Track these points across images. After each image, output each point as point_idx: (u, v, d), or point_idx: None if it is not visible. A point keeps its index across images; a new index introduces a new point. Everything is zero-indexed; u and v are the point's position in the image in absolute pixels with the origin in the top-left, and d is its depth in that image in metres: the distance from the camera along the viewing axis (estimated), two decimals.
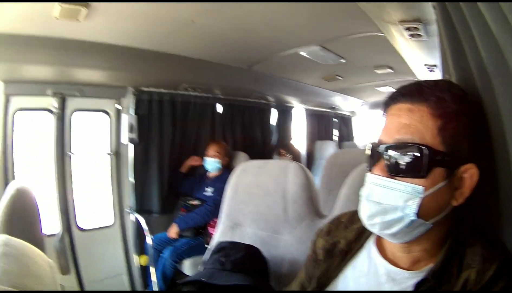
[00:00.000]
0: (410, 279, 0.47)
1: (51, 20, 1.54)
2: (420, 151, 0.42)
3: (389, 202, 0.44)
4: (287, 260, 1.19)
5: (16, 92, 2.04)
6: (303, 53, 2.23)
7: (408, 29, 1.40)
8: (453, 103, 0.44)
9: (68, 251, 2.10)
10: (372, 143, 0.49)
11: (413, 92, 0.46)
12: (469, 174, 0.43)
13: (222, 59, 2.39)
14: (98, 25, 1.74)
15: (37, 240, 0.77)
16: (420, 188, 0.42)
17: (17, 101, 2.03)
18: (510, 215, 0.41)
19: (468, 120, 0.44)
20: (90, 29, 1.77)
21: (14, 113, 2.04)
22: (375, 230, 0.49)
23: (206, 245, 2.14)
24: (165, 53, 2.17)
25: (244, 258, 1.02)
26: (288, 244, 1.19)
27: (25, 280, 0.31)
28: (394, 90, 0.50)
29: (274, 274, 1.19)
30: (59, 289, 0.39)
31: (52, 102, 2.08)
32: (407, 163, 0.43)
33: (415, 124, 0.43)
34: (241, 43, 2.07)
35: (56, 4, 1.33)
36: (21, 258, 0.34)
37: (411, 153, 0.42)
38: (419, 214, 0.43)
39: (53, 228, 2.07)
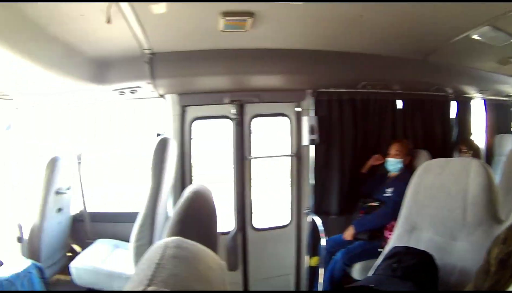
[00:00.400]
0: None
1: (217, 34, 2.56)
2: None
3: None
4: (458, 268, 1.78)
5: (192, 103, 3.48)
6: (475, 36, 3.14)
7: None
8: None
9: (239, 248, 3.66)
10: None
11: None
12: None
13: (395, 52, 3.38)
14: (266, 33, 2.65)
15: (211, 240, 1.36)
16: None
17: (194, 111, 3.50)
18: None
19: None
20: (259, 37, 2.74)
21: (191, 122, 3.51)
22: None
23: (380, 249, 3.12)
24: (338, 52, 3.23)
25: (416, 266, 1.66)
26: (462, 251, 1.82)
27: (193, 284, 0.55)
28: None
29: (442, 283, 1.76)
30: (227, 288, 0.68)
31: (230, 109, 3.53)
32: None
33: None
34: (412, 33, 2.95)
35: (220, 18, 2.30)
36: (192, 261, 0.60)
37: None
38: None
39: (228, 227, 3.61)
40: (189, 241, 0.67)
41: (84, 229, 4.07)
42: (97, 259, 3.41)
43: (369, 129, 4.12)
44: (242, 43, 2.91)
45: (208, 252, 0.69)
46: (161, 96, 3.66)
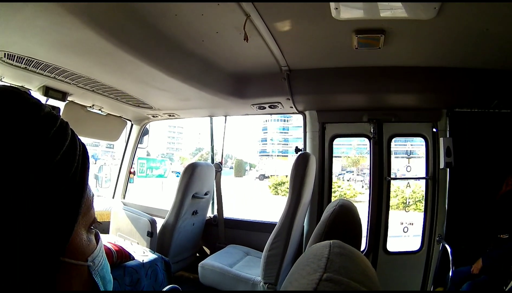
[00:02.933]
0: None
1: (351, 52, 2.72)
2: None
3: None
4: None
5: (331, 120, 3.71)
6: None
7: None
8: None
9: None
10: None
11: None
12: None
13: None
14: (398, 50, 2.77)
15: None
16: None
17: (332, 128, 3.75)
18: None
19: None
20: (392, 54, 2.83)
21: (331, 139, 3.75)
22: None
23: (504, 287, 3.26)
24: (470, 68, 3.26)
25: None
26: None
27: (361, 277, 0.60)
28: None
29: None
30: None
31: (369, 128, 3.69)
32: None
33: None
34: None
35: (354, 36, 2.49)
36: (356, 260, 0.67)
37: None
38: None
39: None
40: (348, 245, 0.75)
41: (216, 233, 4.40)
42: (225, 261, 3.65)
43: (508, 152, 4.05)
44: (376, 61, 3.07)
45: (364, 257, 0.76)
46: (300, 112, 3.90)
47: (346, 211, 1.54)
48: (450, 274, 3.60)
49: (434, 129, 3.83)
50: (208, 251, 4.37)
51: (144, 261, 3.25)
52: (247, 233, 4.23)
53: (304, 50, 2.92)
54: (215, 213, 4.51)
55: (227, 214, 4.46)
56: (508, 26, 2.56)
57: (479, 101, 3.83)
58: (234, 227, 4.32)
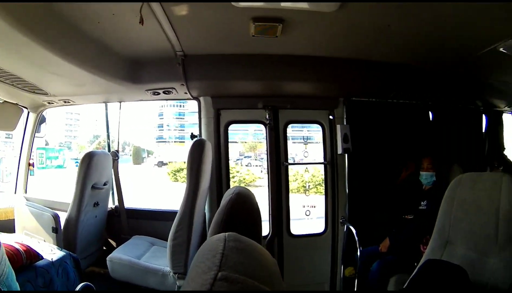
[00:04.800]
0: None
1: (249, 39, 2.70)
2: None
3: None
4: (490, 286, 1.89)
5: (227, 106, 3.80)
6: (501, 49, 3.34)
7: None
8: None
9: (275, 254, 3.86)
10: None
11: None
12: None
13: (422, 63, 3.60)
14: (296, 39, 2.81)
15: (256, 240, 1.21)
16: None
17: (228, 114, 3.82)
18: None
19: None
20: (289, 43, 2.88)
21: (226, 125, 3.83)
22: None
23: (415, 263, 3.21)
24: (369, 61, 3.39)
25: (450, 280, 1.75)
26: (494, 268, 1.91)
27: (258, 272, 0.61)
28: None
29: None
30: (284, 286, 0.72)
31: (264, 114, 3.79)
32: None
33: None
34: (437, 44, 3.13)
35: (251, 23, 2.47)
36: (252, 253, 0.67)
37: None
38: None
39: (264, 231, 3.55)
40: (244, 236, 0.74)
41: (119, 224, 4.34)
42: (133, 254, 3.62)
43: (401, 140, 4.40)
44: (273, 49, 3.12)
45: (262, 248, 0.76)
46: (195, 98, 3.95)
47: (244, 198, 1.56)
48: (358, 253, 3.77)
49: (331, 117, 4.05)
50: (114, 244, 4.35)
51: (53, 260, 3.14)
52: (150, 222, 4.25)
53: (201, 35, 2.93)
54: (116, 203, 4.44)
55: (129, 204, 4.45)
56: (409, 23, 2.73)
57: (378, 91, 4.16)
58: (137, 217, 4.33)
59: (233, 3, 2.30)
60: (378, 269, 3.65)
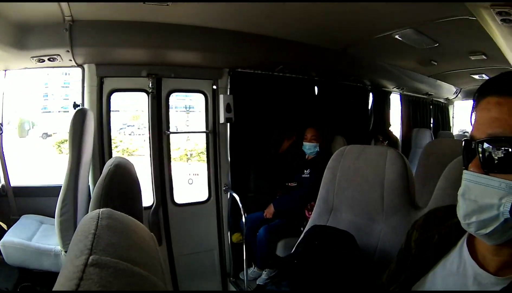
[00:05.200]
0: (496, 285, 0.90)
1: (140, 5, 2.64)
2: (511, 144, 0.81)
3: (484, 200, 0.85)
4: (379, 249, 1.96)
5: (110, 74, 3.62)
6: (397, 36, 3.59)
7: (499, 13, 2.28)
8: None
9: (161, 224, 3.95)
10: (465, 140, 0.94)
11: (500, 85, 0.88)
12: None
13: (317, 41, 3.77)
14: (188, 9, 2.81)
15: (136, 213, 1.43)
16: None
17: (111, 82, 3.77)
18: None
19: None
20: (180, 12, 2.86)
21: (109, 94, 3.78)
22: (471, 230, 0.90)
23: (302, 228, 3.43)
24: (260, 35, 3.46)
25: (337, 244, 1.80)
26: (381, 233, 1.99)
27: (131, 253, 0.58)
28: (487, 78, 0.97)
29: (365, 262, 1.92)
30: (162, 262, 0.71)
31: (147, 83, 3.69)
32: (500, 157, 0.83)
33: (505, 117, 0.84)
34: (334, 24, 3.29)
35: None
36: (125, 231, 0.64)
37: (503, 147, 0.83)
38: None
39: (147, 201, 3.69)
40: (118, 212, 0.71)
41: (7, 204, 4.06)
42: (23, 235, 3.31)
43: (286, 112, 4.62)
44: (162, 17, 3.09)
45: (137, 223, 0.74)
46: (79, 66, 3.85)
47: (122, 169, 1.54)
48: (243, 220, 3.90)
49: (215, 87, 4.12)
50: (5, 226, 4.04)
51: None
52: (40, 199, 4.05)
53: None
54: (2, 182, 4.01)
55: (17, 181, 4.04)
56: (306, 3, 2.89)
57: (265, 64, 4.38)
58: (24, 195, 3.99)
59: None
60: (265, 234, 3.83)
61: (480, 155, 0.91)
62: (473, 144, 0.93)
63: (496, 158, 0.88)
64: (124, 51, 3.54)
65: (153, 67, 3.81)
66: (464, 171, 0.95)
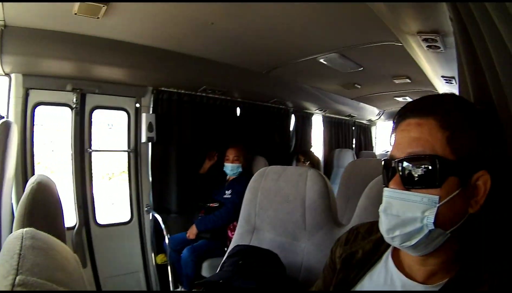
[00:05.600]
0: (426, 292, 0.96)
1: (70, 16, 2.57)
2: (432, 161, 0.90)
3: (407, 214, 0.92)
4: (304, 267, 2.04)
5: (36, 86, 3.47)
6: (321, 60, 3.74)
7: (426, 40, 2.46)
8: (460, 114, 0.94)
9: (85, 245, 3.72)
10: (384, 160, 1.03)
11: (420, 107, 0.97)
12: (482, 180, 0.91)
13: (241, 63, 3.88)
14: (117, 23, 2.79)
15: (59, 233, 1.41)
16: (436, 197, 0.90)
17: (37, 95, 3.49)
18: None
19: (477, 129, 0.94)
20: (109, 26, 2.83)
21: (33, 107, 3.49)
22: (396, 243, 0.97)
23: (225, 248, 3.55)
24: (185, 54, 3.49)
25: (262, 263, 1.83)
26: (305, 251, 2.06)
27: (56, 273, 0.59)
28: (410, 100, 1.07)
29: (291, 280, 2.00)
30: (85, 282, 0.73)
31: (72, 98, 3.60)
32: (421, 174, 0.92)
33: (425, 137, 0.93)
34: (260, 48, 3.39)
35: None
36: (49, 252, 0.65)
37: (424, 164, 0.91)
38: (437, 224, 0.89)
39: (71, 221, 3.57)
40: (41, 232, 0.72)
41: None
42: None
43: (208, 132, 4.69)
44: (93, 30, 3.06)
45: (61, 243, 0.75)
46: (7, 75, 3.71)
47: (45, 187, 1.50)
48: (166, 241, 3.93)
49: (137, 105, 4.13)
50: None
51: None
52: None
53: (24, 7, 2.77)
54: None
55: None
56: (234, 24, 2.92)
57: (189, 84, 4.44)
58: None
59: None
60: (189, 255, 3.84)
61: (401, 173, 0.99)
62: (394, 163, 1.01)
63: (416, 175, 0.96)
64: (52, 63, 3.43)
65: (78, 82, 3.70)
66: (385, 189, 1.03)
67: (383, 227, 1.01)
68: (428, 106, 1.00)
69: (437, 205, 0.92)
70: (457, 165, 0.93)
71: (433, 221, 0.92)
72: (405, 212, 0.95)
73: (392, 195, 0.99)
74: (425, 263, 1.01)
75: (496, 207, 0.99)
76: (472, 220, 0.97)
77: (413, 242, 0.95)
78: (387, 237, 1.00)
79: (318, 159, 6.04)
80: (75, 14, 2.63)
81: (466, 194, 0.95)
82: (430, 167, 0.93)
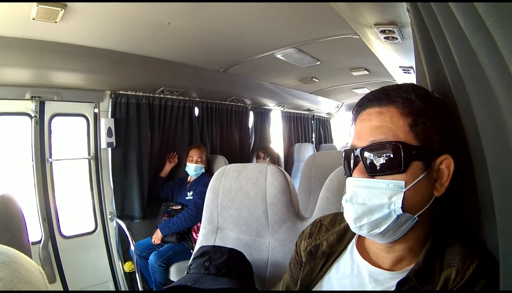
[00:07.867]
0: (392, 279, 1.00)
1: (28, 21, 2.56)
2: (396, 147, 0.93)
3: (374, 201, 0.94)
4: (270, 262, 2.10)
5: None
6: (278, 56, 3.85)
7: (383, 32, 2.53)
8: (419, 101, 0.97)
9: (52, 258, 3.73)
10: (345, 150, 1.05)
11: (380, 96, 1.01)
12: (446, 164, 0.96)
13: (198, 62, 3.96)
14: (75, 27, 2.79)
15: (23, 248, 1.43)
16: (402, 183, 0.93)
17: None
18: (488, 211, 0.85)
19: (437, 115, 0.98)
20: (66, 31, 2.82)
21: None
22: (363, 231, 0.99)
23: (191, 250, 3.77)
24: (141, 56, 3.53)
25: (228, 262, 1.86)
26: (270, 247, 2.12)
27: (20, 286, 0.59)
28: (369, 91, 1.08)
29: (258, 277, 2.04)
30: None
31: (30, 106, 3.59)
32: (385, 161, 0.94)
33: (387, 125, 0.96)
34: (217, 46, 3.47)
35: (34, 4, 2.32)
36: (13, 265, 0.63)
37: (388, 151, 0.94)
38: (404, 208, 0.93)
39: (35, 236, 3.58)
40: (5, 246, 0.71)
41: None
42: None
43: (168, 134, 4.81)
44: (50, 35, 3.03)
45: (24, 256, 0.74)
46: None
47: (7, 202, 1.48)
48: (132, 248, 3.97)
49: (96, 110, 4.16)
50: None
51: None
52: None
53: None
54: None
55: None
56: (188, 24, 2.95)
57: (147, 86, 4.48)
58: None
59: None
60: (156, 260, 3.93)
61: (365, 161, 1.01)
62: (356, 152, 1.03)
63: (381, 162, 0.97)
64: (9, 71, 3.40)
65: (36, 89, 3.70)
66: (349, 178, 1.05)
67: (349, 216, 1.02)
68: (388, 95, 1.03)
69: (404, 190, 0.95)
70: (420, 149, 0.97)
71: (400, 205, 0.94)
72: (371, 199, 0.97)
73: (357, 184, 1.01)
74: (392, 250, 1.05)
75: (460, 190, 1.03)
76: (438, 203, 1.02)
77: (382, 228, 0.97)
78: (354, 226, 1.02)
79: (277, 154, 6.31)
80: (33, 19, 2.62)
81: (431, 178, 0.99)
82: (394, 153, 0.96)
